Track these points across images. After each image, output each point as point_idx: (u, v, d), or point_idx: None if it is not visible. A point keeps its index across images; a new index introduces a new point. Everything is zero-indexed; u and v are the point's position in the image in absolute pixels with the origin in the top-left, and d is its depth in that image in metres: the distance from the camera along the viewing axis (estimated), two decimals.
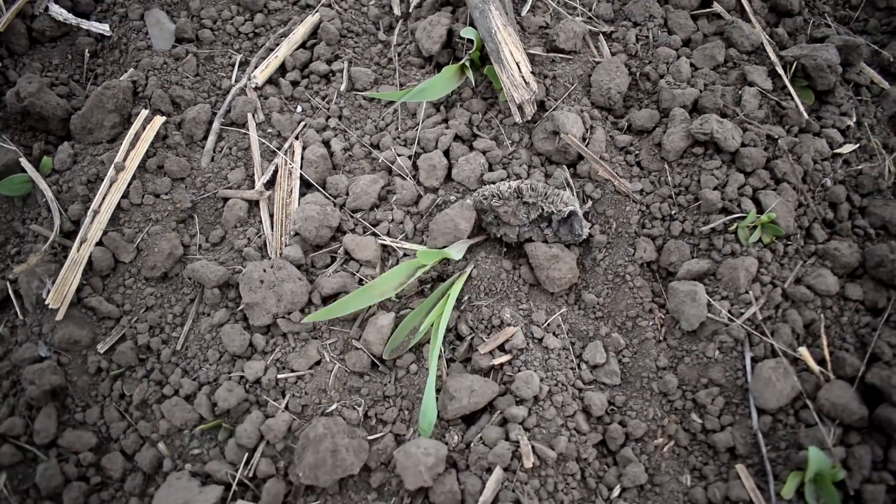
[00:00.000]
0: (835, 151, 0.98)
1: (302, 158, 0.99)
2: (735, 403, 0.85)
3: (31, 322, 0.92)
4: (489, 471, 0.79)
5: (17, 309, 0.93)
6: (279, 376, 0.87)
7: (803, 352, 0.82)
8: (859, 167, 0.98)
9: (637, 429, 0.84)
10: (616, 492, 0.82)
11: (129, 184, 0.97)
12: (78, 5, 1.16)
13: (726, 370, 0.85)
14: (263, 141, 1.02)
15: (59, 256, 0.95)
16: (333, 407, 0.86)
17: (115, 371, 0.90)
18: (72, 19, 1.13)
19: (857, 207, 0.96)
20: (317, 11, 1.12)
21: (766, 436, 0.82)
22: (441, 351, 0.84)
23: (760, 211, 0.90)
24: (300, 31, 1.10)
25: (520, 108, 0.96)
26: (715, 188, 0.92)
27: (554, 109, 0.97)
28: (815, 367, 0.82)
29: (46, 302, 0.90)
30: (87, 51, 1.13)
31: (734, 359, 0.86)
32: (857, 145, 1.00)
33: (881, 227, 0.95)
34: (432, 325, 0.85)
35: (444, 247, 0.89)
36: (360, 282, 0.90)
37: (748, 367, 0.84)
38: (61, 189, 0.99)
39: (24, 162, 1.00)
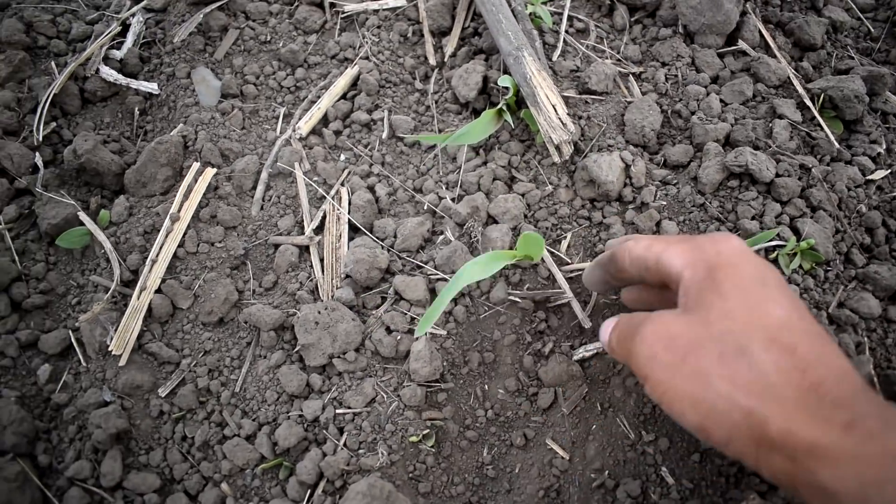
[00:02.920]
0: (867, 178, 1.00)
1: (349, 204, 1.03)
2: None
3: (95, 368, 0.95)
4: None
5: (81, 356, 0.97)
6: (337, 412, 0.89)
7: None
8: (892, 193, 1.00)
9: None
10: None
11: (185, 233, 1.01)
12: (126, 66, 1.21)
13: None
14: (311, 188, 1.06)
15: (119, 305, 0.98)
16: None
17: (176, 414, 0.93)
18: (121, 79, 1.19)
19: (893, 231, 0.98)
20: (355, 64, 1.17)
21: None
22: None
23: (800, 238, 0.92)
24: (340, 84, 1.15)
25: (557, 148, 0.99)
26: (752, 218, 0.94)
27: (584, 157, 1.00)
28: None
29: (109, 348, 0.94)
30: (136, 109, 1.19)
31: None
32: (889, 171, 1.02)
33: None
34: None
35: None
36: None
37: None
38: (119, 240, 1.03)
39: (82, 216, 1.04)
